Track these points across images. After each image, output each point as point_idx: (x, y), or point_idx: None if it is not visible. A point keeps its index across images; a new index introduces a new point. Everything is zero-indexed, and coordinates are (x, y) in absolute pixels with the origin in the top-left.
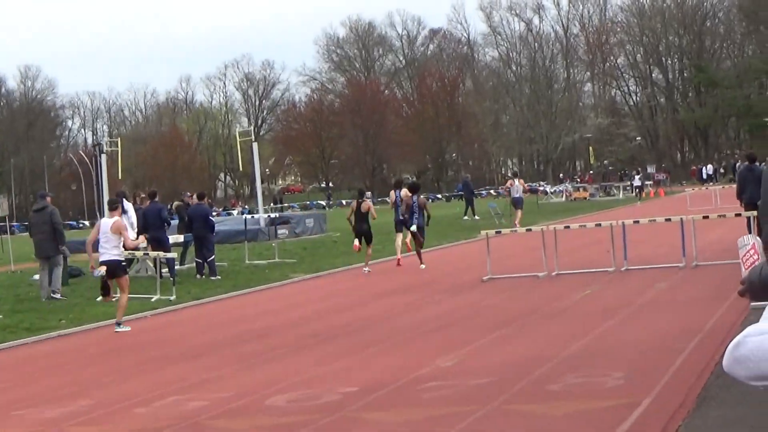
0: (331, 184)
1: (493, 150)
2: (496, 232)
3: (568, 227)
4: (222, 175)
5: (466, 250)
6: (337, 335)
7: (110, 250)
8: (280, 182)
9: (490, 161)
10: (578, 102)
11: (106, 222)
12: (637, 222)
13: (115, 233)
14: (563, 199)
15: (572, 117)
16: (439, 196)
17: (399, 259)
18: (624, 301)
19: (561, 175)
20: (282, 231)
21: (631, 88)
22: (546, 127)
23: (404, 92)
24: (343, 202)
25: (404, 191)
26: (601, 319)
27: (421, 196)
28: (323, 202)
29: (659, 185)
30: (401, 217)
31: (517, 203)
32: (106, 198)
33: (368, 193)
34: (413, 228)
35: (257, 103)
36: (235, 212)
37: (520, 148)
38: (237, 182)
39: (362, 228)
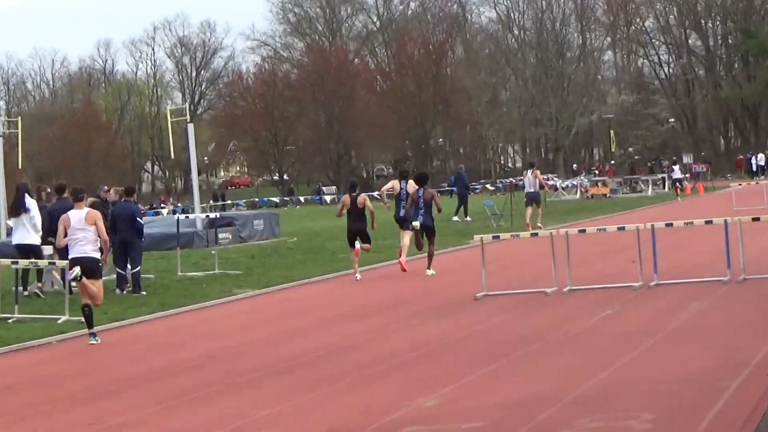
0: (286, 176)
1: (489, 134)
2: (494, 237)
3: (584, 231)
4: (149, 164)
5: (456, 260)
6: (288, 368)
7: (85, 246)
8: (222, 174)
9: (486, 148)
10: (596, 75)
11: (77, 214)
12: (670, 225)
13: (90, 224)
14: (577, 195)
15: (588, 93)
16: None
17: (405, 263)
18: (653, 324)
19: (574, 166)
20: (224, 235)
21: (662, 57)
22: (556, 106)
23: (378, 61)
24: (301, 199)
25: (410, 183)
26: (623, 348)
27: (429, 189)
28: (276, 199)
29: (697, 179)
30: (402, 214)
31: (531, 200)
32: (1, 193)
33: (332, 188)
34: (415, 224)
35: (194, 74)
36: (165, 211)
37: (523, 132)
38: (168, 173)
39: (359, 228)
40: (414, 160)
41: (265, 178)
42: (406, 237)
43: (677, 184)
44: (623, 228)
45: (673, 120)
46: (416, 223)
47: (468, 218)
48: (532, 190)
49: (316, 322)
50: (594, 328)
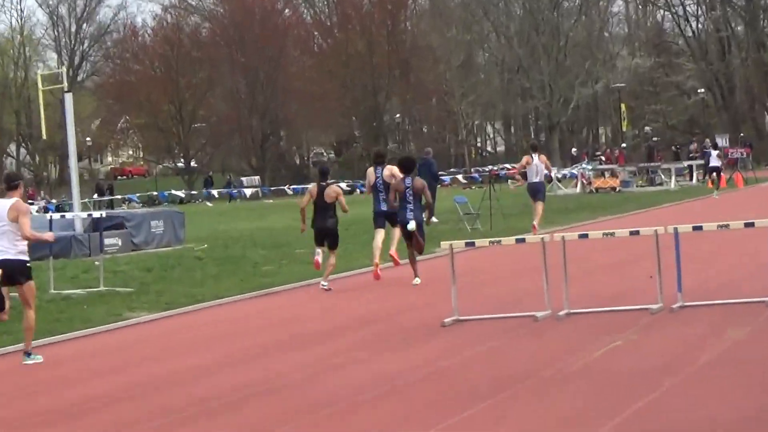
0: (194, 163)
1: (461, 109)
2: (467, 245)
3: (586, 236)
4: (12, 146)
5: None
6: (183, 418)
7: (8, 246)
8: (110, 160)
9: (458, 127)
10: (602, 32)
11: (2, 205)
12: (700, 229)
13: (13, 221)
14: (577, 189)
15: (592, 56)
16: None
17: (377, 268)
18: (676, 359)
19: (574, 150)
20: (112, 241)
21: (688, 9)
22: (549, 73)
23: (316, 13)
24: (214, 193)
25: (390, 170)
26: (638, 390)
27: (418, 178)
28: (181, 193)
29: (735, 167)
30: (383, 208)
31: (536, 193)
32: None
33: (255, 178)
34: (410, 226)
35: (73, 29)
36: (34, 209)
37: (506, 106)
38: (38, 159)
39: (326, 226)
40: (362, 141)
41: (167, 165)
42: (379, 236)
43: (714, 174)
44: (637, 232)
45: (702, 91)
46: (412, 225)
47: (435, 219)
48: (537, 179)
49: (232, 354)
50: (599, 364)
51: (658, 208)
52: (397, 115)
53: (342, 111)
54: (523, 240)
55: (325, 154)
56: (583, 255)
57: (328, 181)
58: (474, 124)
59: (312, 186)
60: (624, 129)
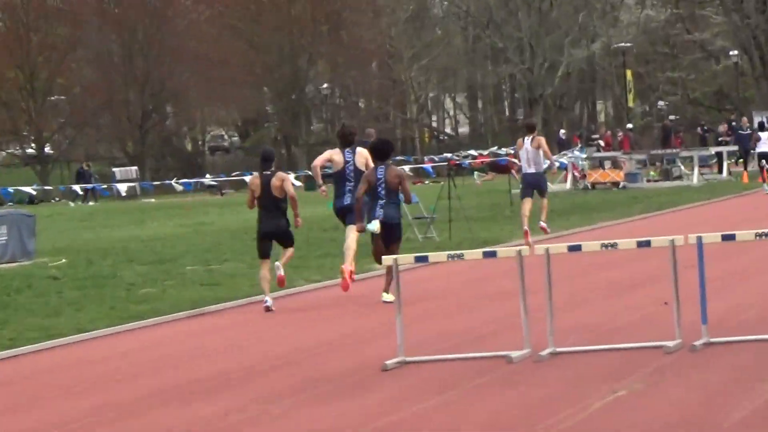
0: (49, 149)
1: (411, 77)
2: (418, 260)
3: (578, 248)
4: None
5: (353, 298)
6: None
7: None
8: None
9: (406, 102)
10: None
11: None
12: (731, 238)
13: None
14: (567, 184)
15: (588, 6)
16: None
17: (350, 274)
18: (699, 415)
19: (562, 132)
20: None
21: None
22: (531, 28)
23: None
24: (76, 189)
25: (361, 154)
26: None
27: (395, 168)
28: (31, 189)
29: None
30: (347, 201)
31: (530, 187)
32: None
33: (131, 169)
34: (372, 227)
35: None
36: None
37: (471, 73)
38: None
39: (276, 226)
40: (277, 120)
41: (12, 152)
42: (351, 236)
43: (764, 162)
44: (648, 243)
45: (736, 53)
46: (375, 226)
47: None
48: (532, 169)
49: (95, 411)
50: (594, 423)
51: (675, 211)
52: (325, 85)
53: (250, 80)
54: (494, 254)
55: (226, 137)
56: (575, 273)
57: (273, 170)
58: (428, 97)
59: (253, 178)
60: (630, 104)
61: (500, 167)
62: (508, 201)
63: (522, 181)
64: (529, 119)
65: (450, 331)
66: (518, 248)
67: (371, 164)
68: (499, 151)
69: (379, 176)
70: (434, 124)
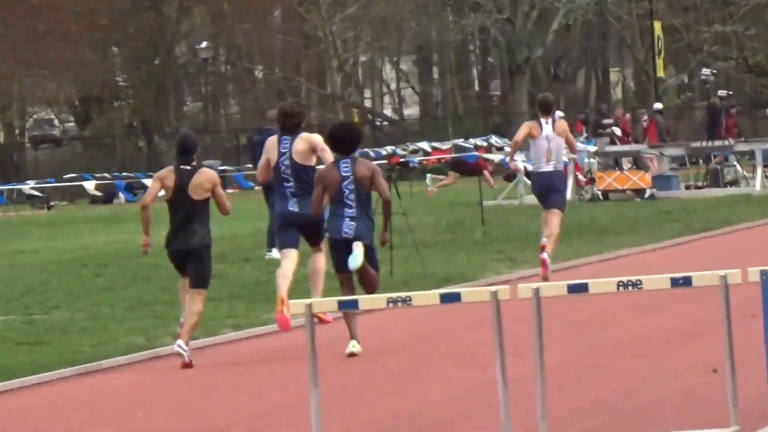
0: None
1: (331, 32)
2: (342, 306)
3: (584, 289)
4: None
5: (248, 362)
6: None
7: None
8: None
9: (326, 69)
10: None
11: None
12: None
13: None
14: (567, 193)
15: None
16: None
17: (284, 309)
18: None
19: (558, 115)
20: None
21: None
22: None
23: None
24: None
25: (308, 141)
26: None
27: (365, 161)
28: None
29: None
30: (293, 209)
31: (548, 192)
32: None
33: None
34: (353, 263)
35: None
36: None
37: (423, 26)
38: None
39: (189, 243)
40: (133, 97)
41: None
42: (288, 261)
43: None
44: (687, 281)
45: None
46: (357, 260)
47: (272, 251)
48: (549, 167)
49: None
50: None
51: (728, 233)
52: (204, 44)
53: (92, 40)
54: (457, 297)
55: (57, 122)
56: (579, 326)
57: (195, 164)
58: (358, 62)
59: (165, 171)
60: (660, 73)
61: (467, 166)
62: (478, 218)
63: (533, 184)
64: (545, 95)
65: (393, 413)
66: (493, 288)
67: (328, 155)
68: (466, 143)
69: (344, 173)
70: (367, 103)
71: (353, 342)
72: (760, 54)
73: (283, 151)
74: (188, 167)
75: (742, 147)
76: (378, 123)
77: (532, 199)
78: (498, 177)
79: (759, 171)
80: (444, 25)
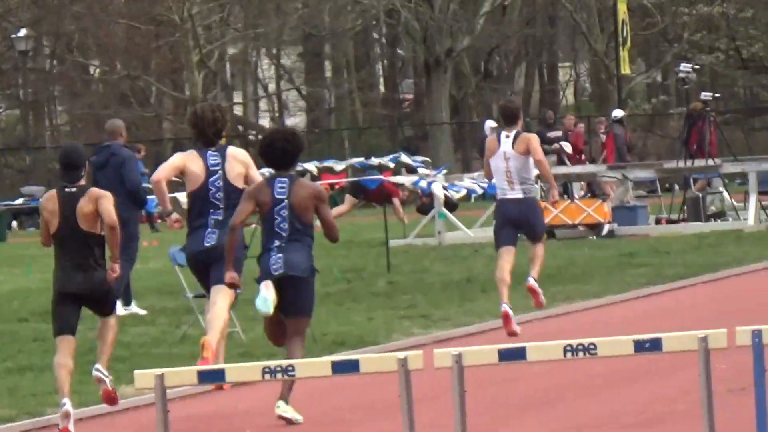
0: None
1: (192, 15)
2: (203, 378)
3: (519, 355)
4: None
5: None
6: None
7: None
8: None
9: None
10: None
11: None
12: None
13: None
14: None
15: None
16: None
17: (213, 353)
18: None
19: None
20: None
21: None
22: None
23: None
24: None
25: (237, 159)
26: None
27: (307, 182)
28: None
29: None
30: (209, 242)
31: (517, 224)
32: None
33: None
34: (263, 304)
35: None
36: None
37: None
38: None
39: (83, 280)
40: None
41: None
42: (221, 301)
43: None
44: (656, 344)
45: None
46: (267, 303)
47: (132, 306)
48: (516, 193)
49: None
50: None
51: (711, 281)
52: (22, 33)
53: None
54: (354, 366)
55: None
56: (515, 405)
57: (83, 184)
58: (226, 56)
59: (47, 198)
60: (625, 69)
61: (369, 193)
62: (383, 262)
63: (498, 215)
64: (508, 101)
65: None
66: (401, 355)
67: (255, 174)
68: (368, 162)
69: (278, 194)
70: (237, 110)
71: (287, 408)
72: (757, 45)
73: (213, 168)
74: (72, 189)
75: (731, 168)
76: (252, 137)
77: (453, 237)
78: (410, 208)
79: (753, 200)
80: (340, 6)
